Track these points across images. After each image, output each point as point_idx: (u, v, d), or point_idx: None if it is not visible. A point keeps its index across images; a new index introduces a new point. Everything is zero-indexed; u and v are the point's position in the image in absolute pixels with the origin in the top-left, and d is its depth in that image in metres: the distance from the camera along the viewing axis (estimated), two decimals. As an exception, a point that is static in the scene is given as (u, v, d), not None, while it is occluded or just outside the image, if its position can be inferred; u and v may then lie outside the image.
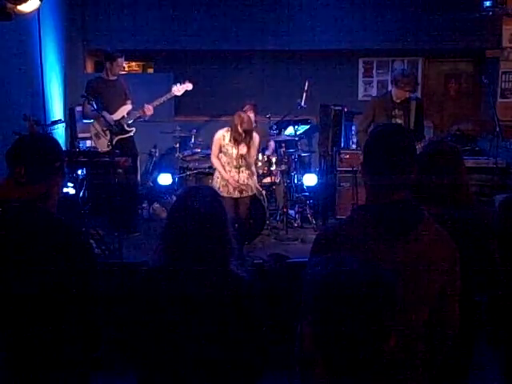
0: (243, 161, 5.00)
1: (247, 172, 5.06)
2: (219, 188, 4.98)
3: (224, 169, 5.04)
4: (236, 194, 5.03)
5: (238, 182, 5.01)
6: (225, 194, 4.93)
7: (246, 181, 5.04)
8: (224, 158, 5.04)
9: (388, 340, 1.22)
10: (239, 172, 5.00)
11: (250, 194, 5.12)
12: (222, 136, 5.01)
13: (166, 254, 1.97)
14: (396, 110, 5.26)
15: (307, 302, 1.27)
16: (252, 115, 6.52)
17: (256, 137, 5.06)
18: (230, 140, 4.96)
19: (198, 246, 1.91)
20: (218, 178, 5.10)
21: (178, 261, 1.93)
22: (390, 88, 5.62)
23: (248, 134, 4.92)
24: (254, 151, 5.07)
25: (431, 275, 1.75)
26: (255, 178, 5.24)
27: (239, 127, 4.87)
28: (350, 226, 1.79)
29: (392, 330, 1.23)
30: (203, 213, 1.93)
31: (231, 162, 5.02)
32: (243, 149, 4.96)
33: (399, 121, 5.22)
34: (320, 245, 1.81)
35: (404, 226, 1.74)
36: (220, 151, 5.04)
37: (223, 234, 1.97)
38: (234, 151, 4.98)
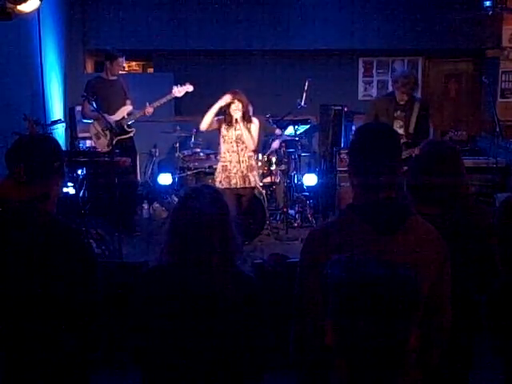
0: (242, 144, 4.97)
1: (247, 164, 5.03)
2: (220, 181, 4.99)
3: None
4: (239, 184, 4.99)
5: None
6: (226, 186, 4.93)
7: (245, 172, 5.01)
8: (223, 147, 5.04)
9: (409, 338, 1.23)
10: (239, 162, 4.96)
11: (248, 186, 5.07)
12: (224, 124, 5.03)
13: (171, 255, 1.97)
14: (398, 112, 5.23)
15: (327, 303, 1.27)
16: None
17: (256, 121, 5.05)
18: (228, 122, 4.98)
19: (202, 245, 1.91)
20: (219, 172, 5.09)
21: (183, 261, 1.93)
22: (390, 88, 5.62)
23: (243, 104, 4.90)
24: (254, 135, 5.02)
25: (421, 274, 1.75)
26: (256, 173, 5.19)
27: (232, 96, 4.88)
28: (339, 225, 1.81)
29: (413, 325, 1.23)
30: (206, 212, 1.93)
31: (230, 148, 5.01)
32: (241, 131, 4.95)
33: (401, 122, 5.20)
34: (311, 245, 1.82)
35: (391, 223, 1.75)
36: (220, 140, 5.05)
37: (227, 233, 1.97)
38: (234, 132, 4.98)
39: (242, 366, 1.98)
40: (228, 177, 4.99)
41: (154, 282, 1.97)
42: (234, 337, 1.93)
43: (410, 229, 1.76)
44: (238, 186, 5.01)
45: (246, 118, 4.97)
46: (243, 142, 5.00)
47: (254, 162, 5.16)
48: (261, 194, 5.66)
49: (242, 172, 5.00)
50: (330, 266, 1.31)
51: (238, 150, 4.97)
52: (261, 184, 5.58)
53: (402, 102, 5.21)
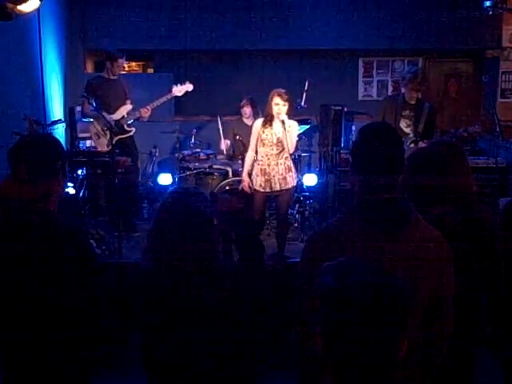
0: (281, 146, 4.76)
1: (285, 165, 4.84)
2: (261, 185, 4.84)
3: (252, 164, 4.88)
4: (279, 187, 4.83)
5: (251, 182, 4.88)
6: (268, 190, 4.84)
7: (284, 174, 4.84)
8: (262, 150, 4.84)
9: (401, 345, 1.22)
10: (277, 164, 4.81)
11: (286, 187, 4.88)
12: (261, 124, 4.82)
13: (151, 257, 1.98)
14: (407, 111, 5.22)
15: (319, 308, 1.27)
16: (249, 110, 6.52)
17: (295, 124, 4.83)
18: (268, 124, 4.77)
19: (185, 246, 1.92)
20: (257, 175, 4.89)
21: (166, 262, 1.94)
22: (390, 88, 5.63)
23: (289, 106, 4.69)
24: (292, 138, 4.77)
25: (423, 275, 1.75)
26: (292, 173, 4.91)
27: (277, 97, 4.65)
28: (340, 227, 1.79)
29: (404, 335, 1.23)
30: (189, 213, 1.95)
31: (269, 152, 4.81)
32: (281, 134, 4.72)
33: (408, 121, 5.20)
34: (310, 250, 1.80)
35: (393, 225, 1.74)
36: (258, 143, 4.85)
37: (210, 234, 1.99)
38: (274, 136, 4.78)
39: (233, 367, 1.99)
40: (268, 180, 4.82)
41: (142, 284, 1.99)
42: (219, 335, 1.94)
43: (413, 230, 1.75)
44: (278, 189, 4.86)
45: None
46: (282, 145, 4.78)
47: (290, 163, 4.92)
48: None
49: (282, 174, 4.84)
50: (319, 274, 1.31)
51: (277, 153, 4.81)
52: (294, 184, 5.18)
53: (411, 102, 5.20)
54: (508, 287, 2.37)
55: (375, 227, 1.71)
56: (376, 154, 1.77)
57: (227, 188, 5.70)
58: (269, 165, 4.84)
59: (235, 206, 4.79)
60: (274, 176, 4.83)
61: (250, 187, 4.95)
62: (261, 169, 4.88)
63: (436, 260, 1.79)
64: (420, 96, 5.25)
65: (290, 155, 4.94)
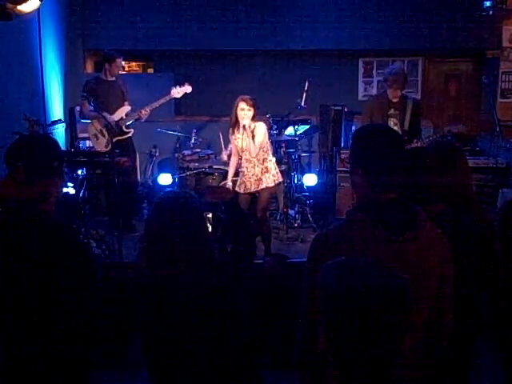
0: (248, 153, 4.87)
1: (262, 167, 4.93)
2: (239, 186, 4.99)
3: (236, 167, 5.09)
4: (253, 188, 4.94)
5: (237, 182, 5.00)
6: (242, 192, 4.94)
7: (259, 175, 4.93)
8: (242, 155, 5.02)
9: (402, 344, 1.22)
10: (254, 166, 4.92)
11: (261, 188, 4.93)
12: (231, 132, 4.98)
13: (150, 258, 1.99)
14: (392, 110, 5.28)
15: (321, 307, 1.27)
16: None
17: (261, 125, 4.88)
18: (236, 130, 4.89)
19: (179, 248, 1.92)
20: (240, 176, 5.06)
21: (162, 264, 1.94)
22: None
23: (253, 111, 4.78)
24: (258, 140, 4.83)
25: (428, 275, 1.75)
26: (269, 174, 4.95)
27: (242, 102, 4.76)
28: (347, 228, 1.77)
29: (406, 332, 1.23)
30: (182, 216, 1.95)
31: (244, 156, 4.95)
32: (247, 139, 4.82)
33: (394, 120, 5.24)
34: (318, 249, 1.79)
35: (401, 225, 1.74)
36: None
37: (203, 234, 2.00)
38: (241, 142, 4.91)
39: (233, 366, 1.99)
40: (244, 182, 4.97)
41: (139, 286, 2.02)
42: (220, 336, 1.95)
43: (421, 230, 1.75)
44: (253, 190, 4.97)
45: (251, 124, 4.82)
46: (248, 150, 4.89)
47: (269, 164, 4.98)
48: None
49: (257, 176, 4.94)
50: (320, 274, 1.31)
51: (249, 157, 4.92)
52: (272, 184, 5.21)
53: (395, 100, 5.25)
54: (507, 286, 2.37)
55: (385, 228, 1.70)
56: (381, 154, 1.77)
57: (210, 182, 5.87)
58: (247, 168, 4.97)
59: (224, 195, 4.94)
60: (249, 178, 4.95)
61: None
62: (241, 171, 5.06)
63: (441, 260, 1.79)
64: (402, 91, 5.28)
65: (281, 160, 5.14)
